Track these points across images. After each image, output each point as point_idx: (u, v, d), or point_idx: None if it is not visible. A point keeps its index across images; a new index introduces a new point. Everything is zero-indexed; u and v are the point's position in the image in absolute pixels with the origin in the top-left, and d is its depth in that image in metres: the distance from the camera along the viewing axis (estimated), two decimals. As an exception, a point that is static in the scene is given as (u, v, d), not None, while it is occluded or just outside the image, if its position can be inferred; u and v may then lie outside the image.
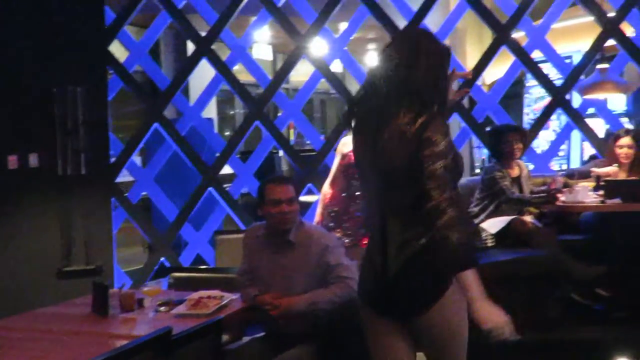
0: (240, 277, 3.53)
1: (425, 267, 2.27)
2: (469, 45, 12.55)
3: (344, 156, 4.37)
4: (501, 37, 6.07)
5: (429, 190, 2.17)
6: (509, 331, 2.18)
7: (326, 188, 4.46)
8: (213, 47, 6.34)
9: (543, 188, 5.20)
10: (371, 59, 10.94)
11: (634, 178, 5.02)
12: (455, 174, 2.32)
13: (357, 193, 4.28)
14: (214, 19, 6.28)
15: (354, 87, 6.21)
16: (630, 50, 5.93)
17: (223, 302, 3.32)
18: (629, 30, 6.21)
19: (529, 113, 10.03)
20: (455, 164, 2.29)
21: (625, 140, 5.24)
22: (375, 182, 2.37)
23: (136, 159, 6.76)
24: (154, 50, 8.18)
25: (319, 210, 4.48)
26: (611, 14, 6.00)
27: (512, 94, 15.37)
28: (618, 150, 5.24)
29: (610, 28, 5.93)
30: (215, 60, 6.29)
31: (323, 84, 6.55)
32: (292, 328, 3.31)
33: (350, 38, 6.67)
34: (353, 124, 2.47)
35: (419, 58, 2.31)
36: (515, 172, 5.28)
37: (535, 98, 9.95)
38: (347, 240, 4.18)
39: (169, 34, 9.63)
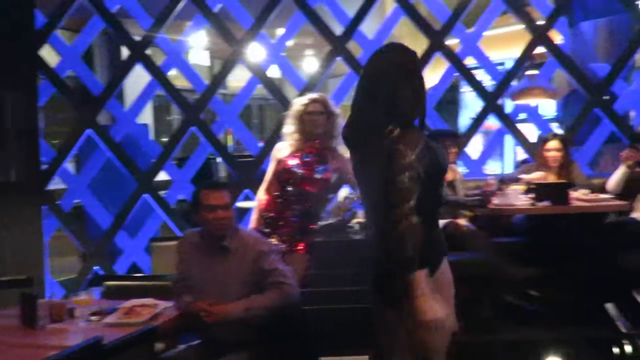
0: (175, 285, 3.48)
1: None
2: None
3: (278, 162, 4.35)
4: (435, 44, 6.17)
5: (393, 199, 2.36)
6: (449, 323, 2.44)
7: (261, 194, 4.44)
8: (148, 52, 6.26)
9: (477, 192, 5.30)
10: (309, 64, 10.97)
11: (562, 181, 5.15)
12: (427, 182, 2.44)
13: (293, 198, 4.27)
14: (148, 24, 6.20)
15: (291, 93, 6.21)
16: (558, 57, 6.11)
17: (157, 311, 3.27)
18: (557, 37, 6.41)
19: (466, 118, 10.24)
20: (426, 173, 2.43)
21: (553, 144, 5.39)
22: (366, 188, 2.65)
23: (69, 166, 6.61)
24: (87, 55, 8.02)
25: (254, 216, 4.45)
26: (540, 22, 6.18)
27: (448, 99, 15.75)
28: (546, 154, 5.39)
29: (539, 36, 6.10)
30: (149, 66, 6.21)
31: (262, 90, 6.53)
32: (228, 335, 3.28)
33: (288, 44, 6.68)
34: (348, 142, 2.72)
35: (394, 74, 2.52)
36: (449, 176, 5.36)
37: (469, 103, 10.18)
38: (283, 246, 4.16)
39: (103, 39, 9.46)
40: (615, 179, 5.24)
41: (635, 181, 5.19)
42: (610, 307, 2.81)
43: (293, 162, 4.30)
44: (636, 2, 6.33)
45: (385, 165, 2.42)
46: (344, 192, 5.38)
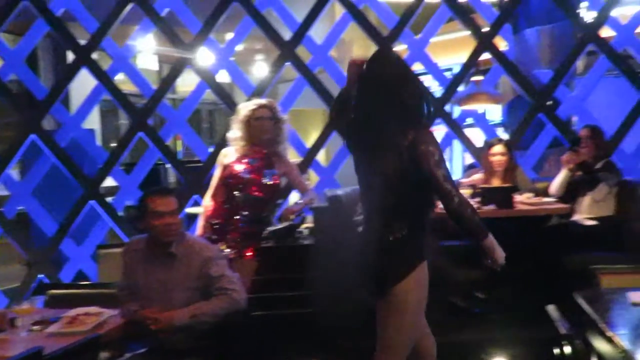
0: (120, 292, 3.44)
1: (400, 253, 2.87)
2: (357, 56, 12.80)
3: (225, 167, 4.33)
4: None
5: (443, 186, 2.75)
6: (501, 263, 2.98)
7: (207, 200, 4.41)
8: (94, 56, 6.17)
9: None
10: (259, 69, 10.94)
11: (507, 185, 5.25)
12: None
13: (241, 204, 4.25)
14: (94, 27, 6.11)
15: (241, 98, 6.19)
16: (503, 64, 6.23)
17: (101, 319, 3.22)
18: (502, 44, 6.54)
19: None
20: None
21: (498, 149, 5.50)
22: (368, 189, 2.92)
23: (12, 172, 6.46)
24: (31, 59, 7.86)
25: (200, 223, 4.42)
26: (486, 29, 6.29)
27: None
28: (491, 159, 5.49)
29: (484, 42, 6.21)
30: (95, 70, 6.12)
31: (212, 95, 6.50)
32: (174, 342, 3.26)
33: (237, 49, 6.66)
34: (348, 142, 3.02)
35: (400, 80, 2.80)
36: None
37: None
38: (230, 252, 4.15)
39: (48, 42, 9.27)
40: (557, 182, 5.37)
41: (576, 184, 5.33)
42: (550, 308, 2.87)
43: (240, 167, 4.29)
44: (577, 11, 6.50)
45: (399, 164, 2.73)
46: (294, 197, 5.39)
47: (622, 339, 2.42)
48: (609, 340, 2.45)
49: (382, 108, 2.80)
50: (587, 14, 6.85)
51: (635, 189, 5.27)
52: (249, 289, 4.00)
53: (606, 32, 6.16)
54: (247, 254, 4.24)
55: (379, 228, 2.86)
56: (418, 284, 2.96)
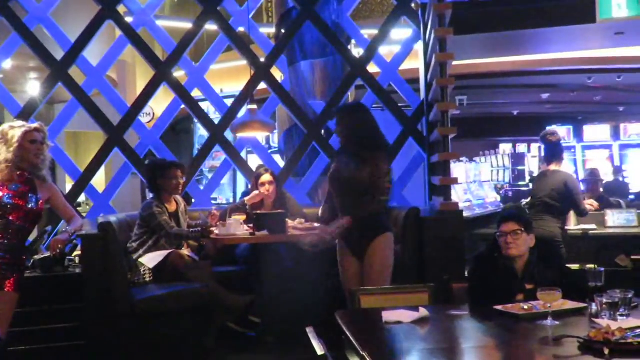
0: None
1: (372, 223, 4.29)
2: (140, 78, 12.61)
3: None
4: (161, 74, 6.20)
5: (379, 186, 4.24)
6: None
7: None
8: None
9: (200, 222, 5.38)
10: (33, 88, 10.34)
11: (279, 211, 5.41)
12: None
13: (1, 231, 3.96)
14: None
15: (9, 118, 5.82)
16: (279, 94, 6.45)
17: None
18: (278, 75, 6.78)
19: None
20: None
21: (266, 178, 5.68)
22: (342, 193, 4.36)
23: None
24: None
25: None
26: (262, 60, 6.49)
27: (184, 129, 15.81)
28: (261, 188, 5.66)
29: (261, 72, 6.39)
30: None
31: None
32: None
33: (5, 66, 6.28)
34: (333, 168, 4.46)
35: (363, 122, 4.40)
36: (173, 206, 5.38)
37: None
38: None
39: None
40: (324, 207, 5.60)
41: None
42: (309, 330, 3.00)
43: (0, 192, 4.00)
44: (348, 47, 6.92)
45: (367, 174, 4.20)
46: (63, 225, 5.15)
47: (374, 356, 2.59)
48: (363, 358, 2.61)
49: (356, 143, 4.37)
50: (356, 51, 7.33)
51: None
52: (7, 323, 3.75)
53: (373, 68, 6.61)
54: (7, 285, 3.96)
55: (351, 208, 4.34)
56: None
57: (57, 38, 6.11)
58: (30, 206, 4.05)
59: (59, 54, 6.08)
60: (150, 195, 5.58)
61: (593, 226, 6.49)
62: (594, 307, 2.93)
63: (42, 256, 4.99)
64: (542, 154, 7.06)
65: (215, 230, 5.10)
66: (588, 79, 12.91)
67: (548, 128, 9.97)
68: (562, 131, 14.77)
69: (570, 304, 3.12)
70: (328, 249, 4.50)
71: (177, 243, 5.29)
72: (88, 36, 6.07)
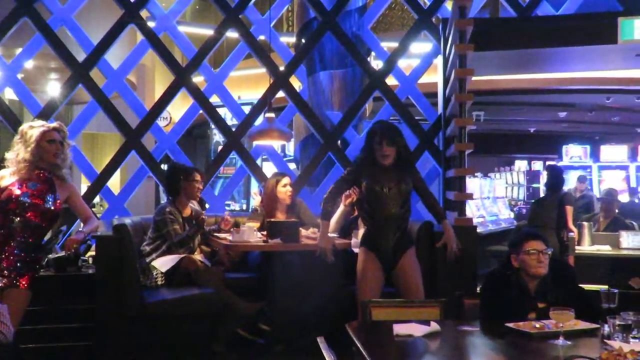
0: None
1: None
2: (158, 82, 12.70)
3: (1, 190, 4.06)
4: (180, 79, 6.24)
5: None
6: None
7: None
8: None
9: (214, 227, 5.41)
10: (53, 88, 10.42)
11: (293, 220, 5.41)
12: None
13: (18, 230, 3.99)
14: None
15: (28, 117, 5.88)
16: (297, 103, 6.48)
17: None
18: (297, 84, 6.80)
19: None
20: None
21: (287, 180, 5.65)
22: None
23: None
24: None
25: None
26: (282, 68, 6.52)
27: (200, 134, 15.86)
28: (282, 189, 5.59)
29: (280, 81, 6.43)
30: None
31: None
32: None
33: (27, 66, 6.35)
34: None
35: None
36: (187, 211, 5.41)
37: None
38: (1, 282, 3.88)
39: None
40: (335, 217, 5.58)
41: (353, 219, 5.61)
42: (320, 339, 3.01)
43: (19, 190, 4.04)
44: (367, 58, 6.94)
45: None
46: (78, 224, 5.18)
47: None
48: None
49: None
50: (375, 63, 7.34)
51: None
52: (20, 320, 3.78)
53: (392, 81, 6.63)
54: (22, 283, 3.99)
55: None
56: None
57: (80, 40, 6.18)
58: (48, 205, 4.08)
59: (80, 55, 6.15)
60: (164, 199, 5.60)
61: (607, 247, 6.47)
62: (606, 329, 2.92)
63: (56, 255, 5.03)
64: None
65: (229, 237, 5.11)
66: (607, 99, 12.88)
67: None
68: (579, 150, 14.68)
69: (582, 325, 3.11)
70: (342, 260, 4.49)
71: (188, 247, 5.30)
72: (110, 39, 6.13)
